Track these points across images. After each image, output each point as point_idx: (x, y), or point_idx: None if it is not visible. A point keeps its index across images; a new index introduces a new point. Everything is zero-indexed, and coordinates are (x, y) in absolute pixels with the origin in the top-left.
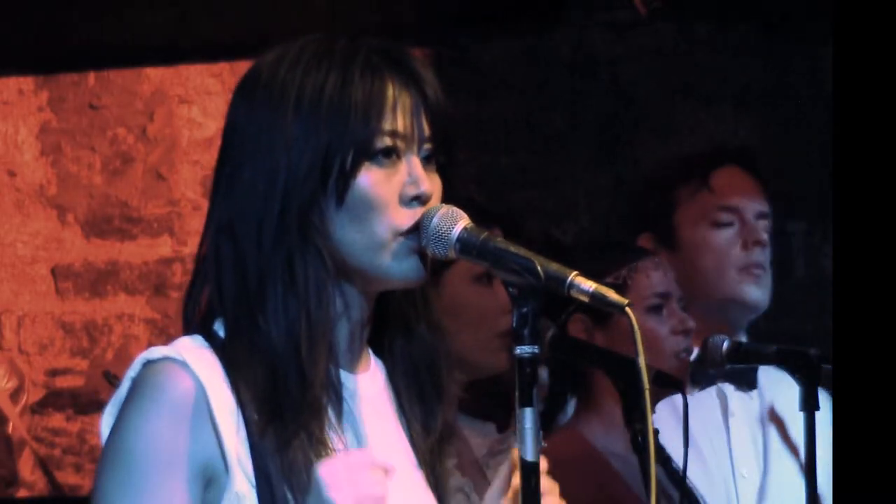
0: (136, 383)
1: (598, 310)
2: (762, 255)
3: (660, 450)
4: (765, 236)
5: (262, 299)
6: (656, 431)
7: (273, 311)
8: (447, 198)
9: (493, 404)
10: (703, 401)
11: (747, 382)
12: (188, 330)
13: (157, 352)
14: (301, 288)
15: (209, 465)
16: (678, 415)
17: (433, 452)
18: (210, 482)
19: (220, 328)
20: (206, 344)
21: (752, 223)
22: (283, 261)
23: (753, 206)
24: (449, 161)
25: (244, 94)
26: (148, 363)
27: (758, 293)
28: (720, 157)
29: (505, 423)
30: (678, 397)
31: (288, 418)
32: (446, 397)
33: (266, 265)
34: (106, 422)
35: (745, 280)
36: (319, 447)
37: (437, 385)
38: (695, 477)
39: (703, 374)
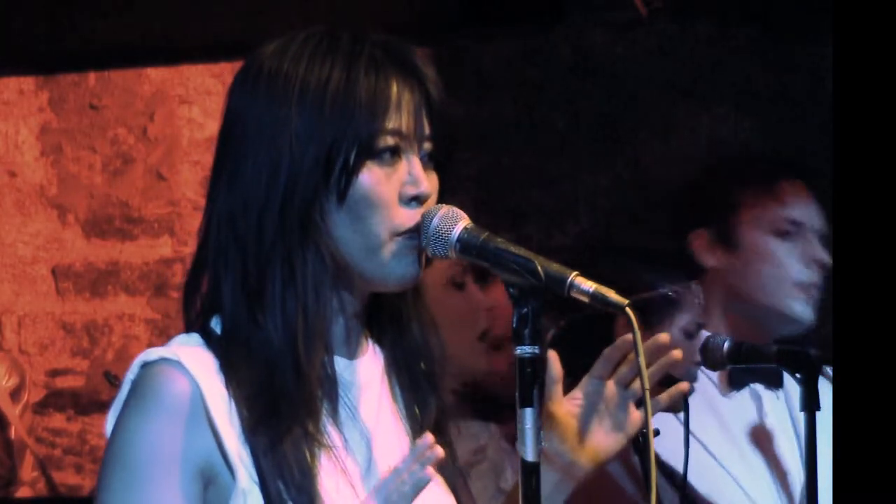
0: (135, 386)
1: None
2: (821, 277)
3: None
4: (828, 258)
5: (260, 295)
6: (656, 432)
7: (271, 307)
8: (445, 198)
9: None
10: (742, 403)
11: (774, 382)
12: (191, 325)
13: (153, 353)
14: (300, 285)
15: (208, 465)
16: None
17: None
18: (210, 482)
19: (216, 325)
20: (201, 342)
21: (815, 241)
22: (282, 257)
23: (817, 224)
24: (448, 160)
25: (245, 85)
26: (145, 365)
27: (807, 311)
28: (786, 167)
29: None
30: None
31: (283, 415)
32: (440, 389)
33: (266, 261)
34: (109, 423)
35: (800, 297)
36: (314, 443)
37: (430, 377)
38: (742, 479)
39: (737, 376)
